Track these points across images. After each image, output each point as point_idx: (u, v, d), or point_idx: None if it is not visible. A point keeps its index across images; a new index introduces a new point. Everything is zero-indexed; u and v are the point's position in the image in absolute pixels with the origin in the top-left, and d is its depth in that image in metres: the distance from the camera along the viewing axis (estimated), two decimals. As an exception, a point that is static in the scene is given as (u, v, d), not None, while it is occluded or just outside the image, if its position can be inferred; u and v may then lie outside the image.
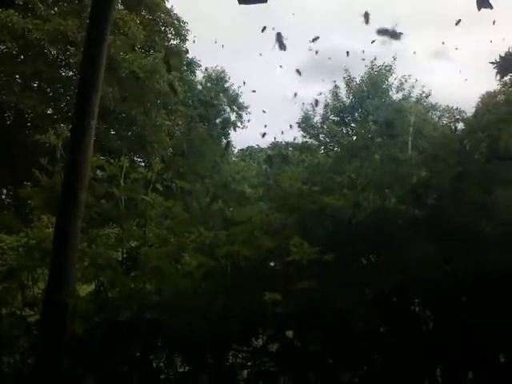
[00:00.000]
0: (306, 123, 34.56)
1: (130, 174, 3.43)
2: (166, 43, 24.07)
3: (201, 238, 3.03)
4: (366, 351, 2.75)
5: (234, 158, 30.26)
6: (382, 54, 31.06)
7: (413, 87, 32.91)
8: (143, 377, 2.86)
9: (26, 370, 3.11)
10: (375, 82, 32.87)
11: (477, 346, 2.48)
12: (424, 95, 32.92)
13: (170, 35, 24.40)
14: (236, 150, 32.94)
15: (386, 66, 33.09)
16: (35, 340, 3.09)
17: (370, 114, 30.94)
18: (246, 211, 3.13)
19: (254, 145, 31.58)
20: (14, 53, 19.37)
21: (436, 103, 33.32)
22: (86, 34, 3.32)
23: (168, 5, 23.46)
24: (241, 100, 31.75)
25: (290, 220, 2.99)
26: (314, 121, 34.77)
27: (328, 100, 34.11)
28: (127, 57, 19.71)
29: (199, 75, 30.33)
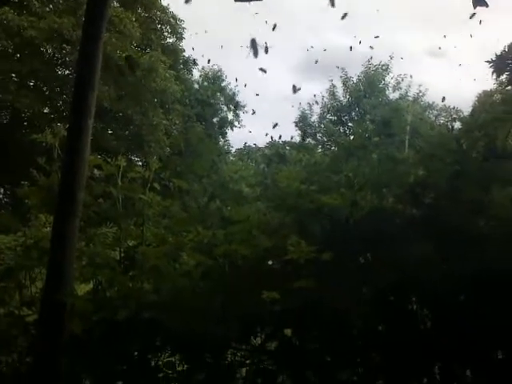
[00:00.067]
0: (303, 122, 34.60)
1: (127, 174, 3.43)
2: (163, 41, 24.04)
3: (199, 237, 3.03)
4: (364, 349, 2.76)
5: (231, 158, 30.31)
6: (378, 53, 31.10)
7: (409, 86, 33.01)
8: (142, 376, 2.87)
9: (24, 370, 3.10)
10: (372, 81, 32.92)
11: (474, 343, 2.50)
12: (421, 94, 33.02)
13: (166, 33, 24.37)
14: (233, 150, 33.00)
15: (383, 65, 33.16)
16: (33, 339, 3.09)
17: (367, 114, 31.03)
18: (244, 210, 3.13)
19: (251, 144, 31.64)
20: (10, 51, 19.30)
21: (433, 102, 33.43)
22: (81, 32, 3.31)
23: (164, 2, 23.47)
24: (237, 99, 31.75)
25: (288, 219, 2.99)
26: (312, 120, 34.83)
27: (325, 99, 34.17)
28: (124, 55, 19.67)
29: (196, 74, 30.33)
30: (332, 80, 33.50)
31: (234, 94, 31.64)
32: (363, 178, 3.02)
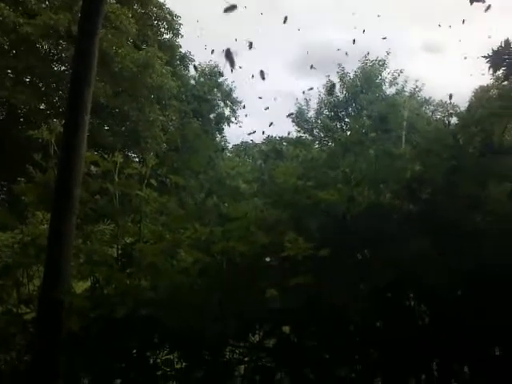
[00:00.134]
0: (299, 118, 34.55)
1: (124, 170, 3.42)
2: (159, 37, 23.96)
3: (196, 234, 3.03)
4: (362, 346, 2.76)
5: (228, 154, 30.24)
6: (375, 48, 31.06)
7: (406, 81, 32.99)
8: (140, 373, 2.87)
9: (22, 368, 3.11)
10: (369, 77, 32.87)
11: (472, 339, 2.50)
12: (417, 89, 33.01)
13: (162, 29, 24.30)
14: (230, 146, 32.92)
15: (380, 60, 33.13)
16: (31, 337, 3.09)
17: (363, 109, 30.98)
18: (242, 207, 3.13)
19: (248, 140, 31.57)
20: (6, 47, 19.21)
21: (430, 97, 33.43)
22: (77, 28, 3.30)
23: (160, -1, 23.36)
24: (234, 95, 31.67)
25: (285, 215, 2.99)
26: (308, 115, 34.78)
27: (322, 95, 34.13)
28: (120, 51, 19.61)
29: (192, 70, 30.22)
30: (329, 76, 33.44)
31: (230, 89, 31.59)
32: (360, 174, 3.02)
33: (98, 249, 3.22)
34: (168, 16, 23.85)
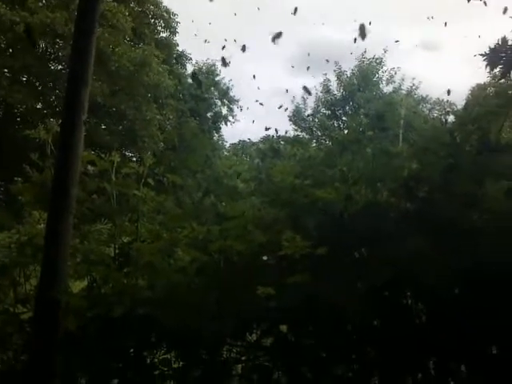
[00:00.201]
0: (297, 116, 34.56)
1: (121, 169, 3.41)
2: (156, 36, 23.92)
3: (193, 233, 3.02)
4: (360, 345, 2.76)
5: (225, 152, 30.21)
6: (372, 46, 31.02)
7: (403, 80, 33.03)
8: (137, 373, 2.86)
9: (19, 367, 3.10)
10: (366, 75, 32.90)
11: (470, 338, 2.50)
12: (414, 87, 33.04)
13: (159, 27, 24.25)
14: (228, 145, 32.90)
15: (377, 58, 33.15)
16: (28, 337, 3.09)
17: (360, 107, 31.02)
18: (239, 206, 3.12)
19: (245, 139, 31.54)
20: (3, 46, 19.17)
21: (427, 95, 33.47)
22: (74, 26, 3.29)
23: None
24: (232, 94, 31.62)
25: (282, 214, 2.99)
26: (306, 114, 34.78)
27: (319, 93, 34.12)
28: (116, 50, 19.58)
29: (189, 68, 30.16)
30: (326, 74, 33.46)
31: (227, 88, 31.54)
32: (357, 172, 3.02)
33: (95, 248, 3.21)
34: (165, 14, 23.82)
